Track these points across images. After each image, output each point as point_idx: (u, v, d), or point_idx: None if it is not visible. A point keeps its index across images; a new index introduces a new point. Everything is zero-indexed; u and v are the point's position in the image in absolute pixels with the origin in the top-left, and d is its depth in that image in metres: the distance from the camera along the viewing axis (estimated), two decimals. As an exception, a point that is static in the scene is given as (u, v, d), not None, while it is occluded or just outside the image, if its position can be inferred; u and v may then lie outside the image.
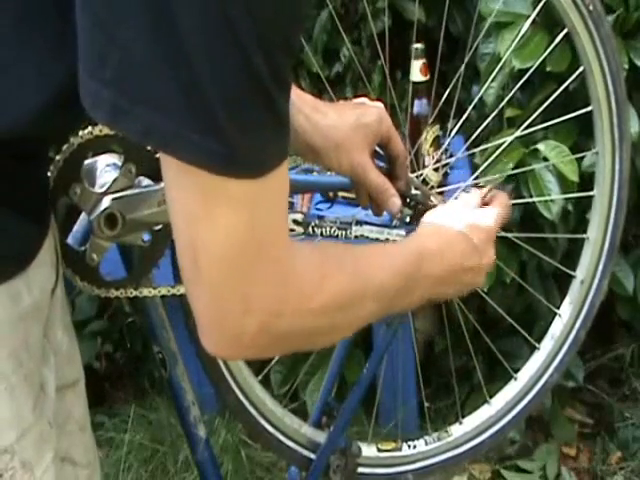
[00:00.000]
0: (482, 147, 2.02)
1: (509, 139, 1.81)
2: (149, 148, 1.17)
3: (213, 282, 0.84)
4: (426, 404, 2.46)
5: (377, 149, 1.30)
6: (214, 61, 0.75)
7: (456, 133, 1.84)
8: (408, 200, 1.32)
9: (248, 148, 0.79)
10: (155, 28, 0.74)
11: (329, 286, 0.93)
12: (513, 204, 2.21)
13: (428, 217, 1.22)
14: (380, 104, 1.32)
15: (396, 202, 1.28)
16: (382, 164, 1.30)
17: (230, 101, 0.76)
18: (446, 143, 1.91)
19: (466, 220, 1.19)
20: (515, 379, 1.69)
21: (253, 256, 0.83)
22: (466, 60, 1.70)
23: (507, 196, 1.28)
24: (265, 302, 0.87)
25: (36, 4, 0.82)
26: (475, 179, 1.94)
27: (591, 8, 1.52)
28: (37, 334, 0.97)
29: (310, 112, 1.25)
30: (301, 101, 1.25)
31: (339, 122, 1.27)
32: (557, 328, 1.69)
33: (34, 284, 0.94)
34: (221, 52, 0.75)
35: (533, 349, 1.71)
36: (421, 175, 1.91)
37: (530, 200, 2.13)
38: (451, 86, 1.68)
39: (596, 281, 1.67)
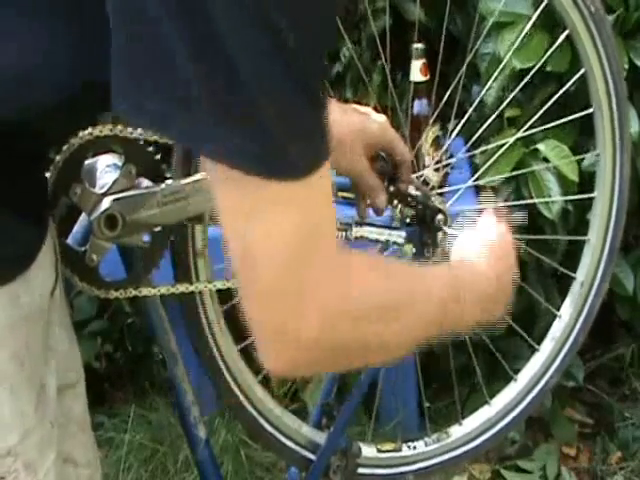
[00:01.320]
0: (482, 148, 2.02)
1: (510, 140, 1.81)
2: (149, 149, 1.17)
3: (269, 285, 0.83)
4: (426, 405, 2.46)
5: (382, 154, 1.31)
6: (256, 63, 0.74)
7: (457, 134, 1.84)
8: (409, 200, 1.32)
9: (292, 149, 0.78)
10: (193, 34, 0.74)
11: (382, 292, 0.93)
12: (513, 205, 2.23)
13: (456, 251, 1.19)
14: (384, 117, 1.33)
15: (382, 200, 1.31)
16: (385, 165, 1.30)
17: (273, 103, 0.76)
18: (446, 143, 1.91)
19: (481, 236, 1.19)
20: (515, 380, 1.69)
21: (307, 256, 0.82)
22: (467, 60, 1.70)
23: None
24: (323, 302, 0.85)
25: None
26: (475, 180, 1.94)
27: (592, 9, 1.51)
28: (38, 335, 0.97)
29: None
30: None
31: (343, 121, 1.27)
32: (557, 329, 1.69)
33: (34, 286, 0.95)
34: (263, 54, 0.74)
35: (533, 350, 1.71)
36: (421, 175, 1.91)
37: (530, 201, 2.13)
38: (452, 87, 1.68)
39: (596, 283, 1.67)
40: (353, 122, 1.28)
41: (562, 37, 1.59)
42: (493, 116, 1.77)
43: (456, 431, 1.67)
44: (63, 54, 0.84)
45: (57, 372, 1.04)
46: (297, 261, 0.82)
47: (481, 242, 1.18)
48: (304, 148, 0.79)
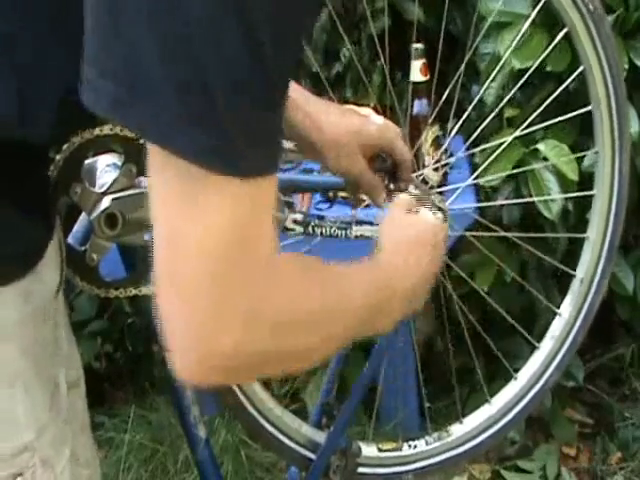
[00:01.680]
0: (482, 147, 2.02)
1: (509, 139, 1.81)
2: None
3: (191, 279, 0.79)
4: (426, 404, 2.46)
5: (381, 154, 1.32)
6: (219, 54, 0.73)
7: (456, 133, 1.84)
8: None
9: (245, 149, 0.76)
10: (157, 19, 0.73)
11: (308, 302, 0.89)
12: (513, 204, 2.23)
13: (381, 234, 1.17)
14: (382, 119, 1.34)
15: (382, 198, 1.33)
16: (384, 164, 1.30)
17: (231, 97, 0.75)
18: (446, 143, 1.91)
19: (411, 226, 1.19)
20: (515, 379, 1.69)
21: (237, 256, 0.79)
22: (466, 60, 1.70)
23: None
24: (246, 306, 0.81)
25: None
26: (475, 179, 1.94)
27: (591, 7, 1.52)
28: (47, 332, 0.98)
29: (314, 109, 1.26)
30: (304, 98, 1.25)
31: (342, 123, 1.28)
32: (557, 327, 1.69)
33: (43, 282, 0.95)
34: (228, 45, 0.73)
35: (533, 349, 1.71)
36: (421, 175, 1.91)
37: (530, 200, 2.13)
38: (451, 86, 1.68)
39: (596, 280, 1.67)
40: (351, 124, 1.29)
41: (560, 35, 1.59)
42: (492, 115, 1.76)
43: (457, 430, 1.67)
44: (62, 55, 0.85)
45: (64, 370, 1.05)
46: (226, 258, 0.78)
47: (403, 230, 1.17)
48: (257, 151, 0.78)
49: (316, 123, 1.26)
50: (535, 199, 2.13)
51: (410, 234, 1.16)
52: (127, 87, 0.75)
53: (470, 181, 1.80)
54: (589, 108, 1.61)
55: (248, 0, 0.73)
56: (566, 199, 2.17)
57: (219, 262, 0.78)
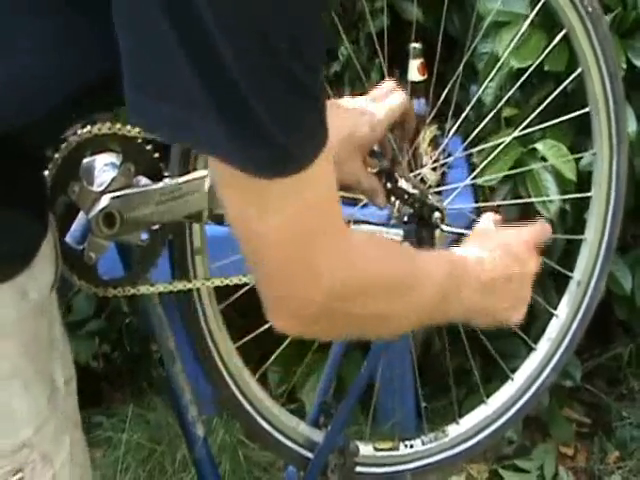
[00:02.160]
0: (480, 147, 2.02)
1: (507, 139, 1.81)
2: (148, 147, 1.17)
3: (275, 268, 0.88)
4: (423, 404, 2.46)
5: (377, 150, 1.32)
6: (251, 69, 0.76)
7: (454, 133, 1.84)
8: (406, 199, 1.32)
9: (291, 146, 0.81)
10: (187, 43, 0.76)
11: (388, 267, 0.98)
12: (510, 204, 2.23)
13: (471, 241, 1.22)
14: (373, 106, 1.32)
15: (381, 199, 1.33)
16: (381, 163, 1.30)
17: (270, 104, 0.78)
18: (444, 143, 1.91)
19: (500, 239, 1.21)
20: (512, 379, 1.69)
21: (313, 239, 0.87)
22: (465, 60, 1.70)
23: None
24: (331, 274, 0.89)
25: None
26: (473, 179, 1.94)
27: (589, 9, 1.52)
28: (44, 328, 0.98)
29: None
30: None
31: (332, 131, 1.27)
32: (554, 329, 1.69)
33: (39, 279, 0.95)
34: (255, 57, 0.76)
35: (530, 350, 1.71)
36: (419, 174, 1.91)
37: (528, 200, 2.13)
38: (449, 86, 1.68)
39: (593, 282, 1.67)
40: (342, 128, 1.28)
41: (559, 37, 1.59)
42: (490, 115, 1.76)
43: (453, 430, 1.67)
44: (63, 53, 0.85)
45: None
46: (303, 246, 0.86)
47: (499, 240, 1.20)
48: (303, 142, 0.82)
49: None
50: (533, 199, 2.13)
51: (505, 244, 1.20)
52: (179, 108, 0.79)
53: (468, 181, 1.80)
54: (587, 109, 1.61)
55: (262, 10, 0.75)
56: (564, 200, 2.17)
57: (297, 249, 0.87)
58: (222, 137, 0.79)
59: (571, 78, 1.67)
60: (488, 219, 1.26)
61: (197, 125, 0.79)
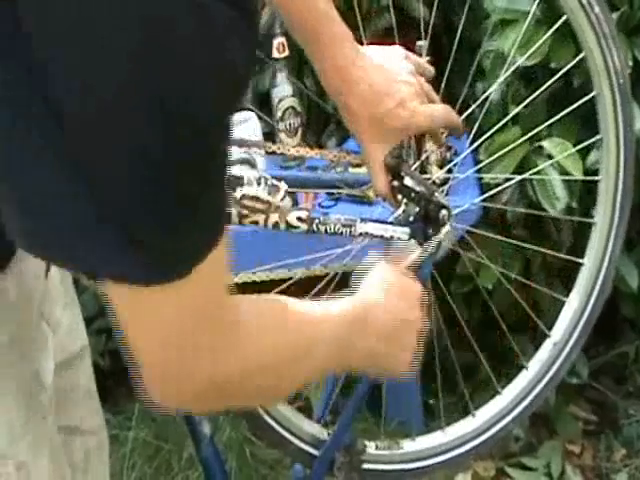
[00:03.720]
0: (486, 144, 2.02)
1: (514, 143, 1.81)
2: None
3: (158, 365, 0.84)
4: (430, 401, 2.46)
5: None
6: (121, 178, 0.70)
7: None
8: (413, 196, 1.32)
9: (170, 254, 0.74)
10: (62, 168, 0.70)
11: (277, 348, 0.92)
12: (518, 201, 2.23)
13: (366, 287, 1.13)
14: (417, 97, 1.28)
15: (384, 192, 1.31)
16: (391, 160, 1.29)
17: (144, 218, 0.72)
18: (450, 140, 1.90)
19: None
20: (526, 369, 1.69)
21: (194, 334, 0.81)
22: (452, 55, 1.70)
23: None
24: (211, 369, 0.85)
25: None
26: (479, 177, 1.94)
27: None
28: (28, 324, 0.97)
29: (348, 69, 1.23)
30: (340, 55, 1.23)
31: (366, 107, 1.25)
32: (566, 316, 1.69)
33: (22, 276, 0.94)
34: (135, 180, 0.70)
35: (539, 344, 1.71)
36: (425, 172, 1.91)
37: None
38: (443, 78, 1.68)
39: (604, 267, 1.67)
40: (375, 113, 1.24)
41: (560, 22, 1.58)
42: (497, 113, 1.76)
43: (458, 428, 1.67)
44: None
45: (58, 346, 1.04)
46: (184, 340, 0.81)
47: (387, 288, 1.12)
48: (186, 249, 0.76)
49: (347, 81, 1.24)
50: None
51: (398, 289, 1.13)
52: (44, 228, 0.74)
53: (469, 172, 1.80)
54: (593, 94, 1.60)
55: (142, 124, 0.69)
56: (570, 197, 2.17)
57: (178, 347, 0.81)
58: (93, 253, 0.74)
59: (574, 61, 1.66)
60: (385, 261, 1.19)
61: (79, 247, 0.74)
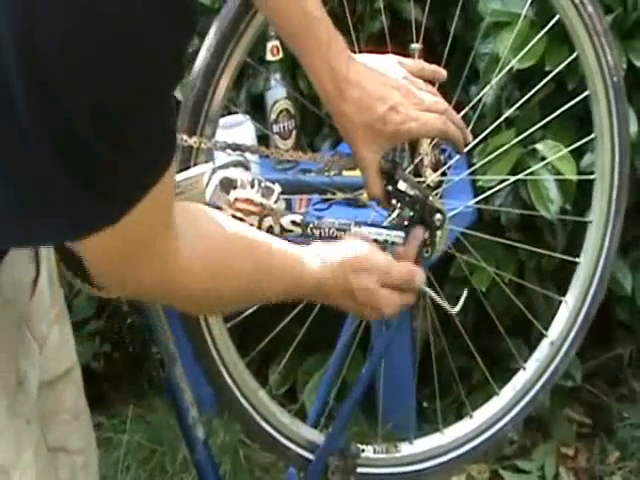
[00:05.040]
0: (480, 147, 2.02)
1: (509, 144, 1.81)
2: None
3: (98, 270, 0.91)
4: (425, 404, 2.46)
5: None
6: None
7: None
8: (407, 200, 1.32)
9: (92, 206, 0.78)
10: None
11: (220, 292, 1.03)
12: (512, 204, 2.23)
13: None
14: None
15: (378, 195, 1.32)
16: (384, 165, 1.29)
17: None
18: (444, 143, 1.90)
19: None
20: (524, 369, 1.69)
21: (130, 266, 0.90)
22: (469, 62, 1.70)
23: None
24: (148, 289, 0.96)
25: None
26: (473, 180, 1.94)
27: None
28: (9, 330, 0.96)
29: (344, 76, 1.23)
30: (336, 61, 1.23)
31: (359, 112, 1.25)
32: (563, 315, 1.69)
33: (2, 282, 0.94)
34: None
35: (534, 345, 1.71)
36: (419, 175, 1.91)
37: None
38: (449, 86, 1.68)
39: (600, 267, 1.67)
40: (370, 117, 1.24)
41: (553, 21, 1.58)
42: (490, 116, 1.76)
43: (454, 431, 1.67)
44: None
45: (44, 365, 1.04)
46: (125, 266, 0.89)
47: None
48: (110, 196, 0.80)
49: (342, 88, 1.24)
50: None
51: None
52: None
53: (464, 175, 1.80)
54: (587, 93, 1.60)
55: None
56: (564, 199, 2.17)
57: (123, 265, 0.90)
58: (22, 221, 0.79)
59: (568, 60, 1.66)
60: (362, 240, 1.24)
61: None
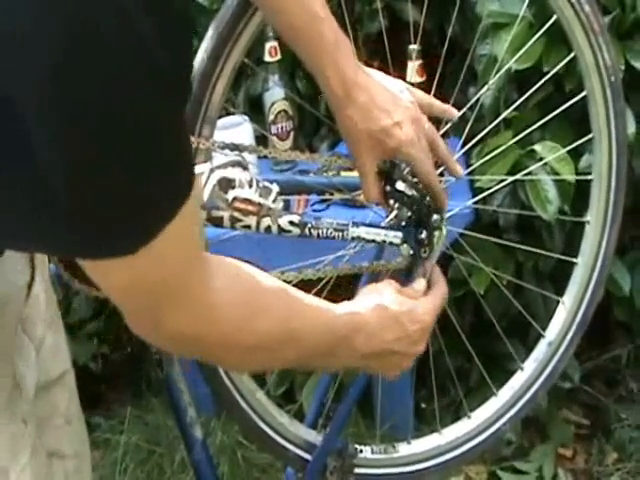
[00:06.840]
0: (478, 148, 2.02)
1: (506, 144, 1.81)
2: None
3: (128, 312, 0.93)
4: (422, 405, 2.46)
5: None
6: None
7: (453, 135, 1.84)
8: (405, 201, 1.32)
9: (110, 229, 0.77)
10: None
11: (255, 327, 0.96)
12: (510, 205, 2.23)
13: (371, 292, 1.19)
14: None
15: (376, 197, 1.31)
16: (382, 165, 1.29)
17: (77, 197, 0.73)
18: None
19: (407, 307, 1.18)
20: (522, 369, 1.69)
21: (160, 307, 0.88)
22: (467, 63, 1.70)
23: (444, 283, 1.29)
24: (180, 330, 0.90)
25: None
26: (472, 182, 1.94)
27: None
28: (6, 330, 0.96)
29: (349, 85, 1.22)
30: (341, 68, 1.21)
31: (364, 118, 1.23)
32: (561, 316, 1.69)
33: (5, 279, 0.93)
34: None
35: (532, 346, 1.71)
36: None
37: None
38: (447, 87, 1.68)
39: (598, 267, 1.67)
40: (371, 129, 1.23)
41: (550, 22, 1.58)
42: (489, 117, 1.76)
43: (451, 432, 1.67)
44: None
45: (39, 368, 1.04)
46: (154, 308, 0.89)
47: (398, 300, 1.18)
48: (132, 223, 0.78)
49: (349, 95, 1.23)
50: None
51: (395, 307, 1.17)
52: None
53: (461, 176, 1.79)
54: (584, 94, 1.60)
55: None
56: (562, 200, 2.17)
57: (148, 312, 0.91)
58: (36, 232, 0.77)
59: (565, 61, 1.66)
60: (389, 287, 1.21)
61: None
